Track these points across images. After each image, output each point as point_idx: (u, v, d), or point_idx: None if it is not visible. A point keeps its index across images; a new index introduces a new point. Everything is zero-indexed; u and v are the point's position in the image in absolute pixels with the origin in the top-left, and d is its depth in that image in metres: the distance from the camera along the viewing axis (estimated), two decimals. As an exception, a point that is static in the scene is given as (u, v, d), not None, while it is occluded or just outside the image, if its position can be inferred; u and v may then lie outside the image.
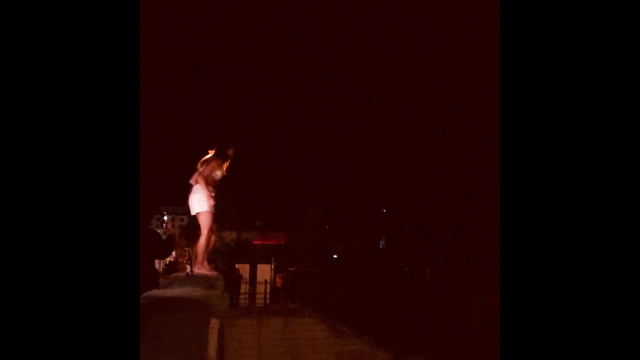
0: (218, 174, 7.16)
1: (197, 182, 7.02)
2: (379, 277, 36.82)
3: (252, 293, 23.71)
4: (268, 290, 23.22)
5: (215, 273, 7.30)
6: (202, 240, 6.98)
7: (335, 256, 54.79)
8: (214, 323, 4.81)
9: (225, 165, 7.29)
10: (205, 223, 6.99)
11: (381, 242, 55.38)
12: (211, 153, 7.22)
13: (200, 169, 7.08)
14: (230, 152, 7.35)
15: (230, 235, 48.52)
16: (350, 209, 57.48)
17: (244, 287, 23.19)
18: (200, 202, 6.98)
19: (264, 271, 24.98)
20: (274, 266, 26.19)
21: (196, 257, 6.98)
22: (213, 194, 7.03)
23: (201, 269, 6.90)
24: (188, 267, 7.03)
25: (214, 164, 7.11)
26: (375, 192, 57.63)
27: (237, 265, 25.84)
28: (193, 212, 7.05)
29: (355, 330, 22.09)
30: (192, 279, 6.52)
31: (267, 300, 23.05)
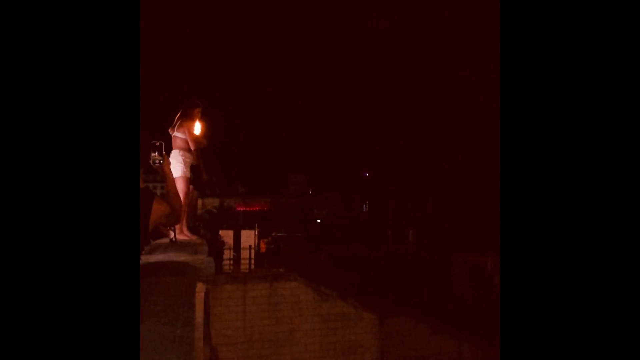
0: (191, 135, 7.01)
1: (174, 148, 6.92)
2: (363, 240, 37.14)
3: (237, 259, 23.75)
4: (252, 255, 23.28)
5: (194, 237, 7.26)
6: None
7: (318, 221, 55.06)
8: (200, 287, 4.78)
9: (197, 130, 7.11)
10: (180, 189, 6.88)
11: (364, 205, 55.70)
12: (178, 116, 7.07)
13: (177, 134, 6.94)
14: (198, 112, 7.16)
15: (212, 202, 48.49)
16: (332, 173, 57.59)
17: (228, 253, 23.21)
18: (175, 167, 6.86)
19: (248, 237, 24.98)
20: (257, 232, 26.19)
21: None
22: (188, 159, 6.93)
23: (181, 235, 6.84)
24: (171, 233, 6.96)
25: (186, 125, 6.94)
26: (357, 156, 57.70)
27: (220, 232, 25.80)
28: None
29: (340, 292, 22.34)
30: (176, 245, 6.47)
31: (252, 266, 23.13)
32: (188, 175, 6.92)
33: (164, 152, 3.61)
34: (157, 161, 3.56)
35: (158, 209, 3.41)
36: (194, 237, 7.23)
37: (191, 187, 7.09)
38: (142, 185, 3.40)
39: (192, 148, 6.89)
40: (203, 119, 7.21)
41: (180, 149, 6.92)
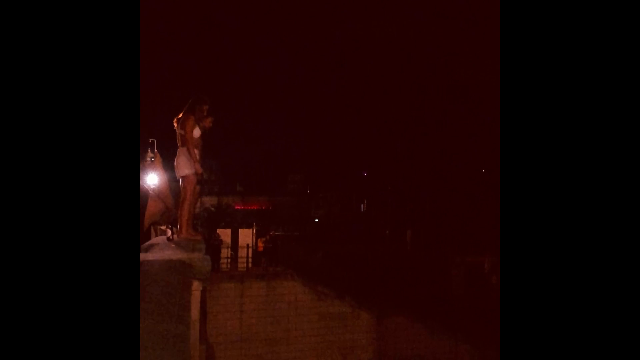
0: (196, 132, 6.84)
1: (182, 145, 6.77)
2: (361, 240, 37.12)
3: (234, 257, 23.74)
4: (250, 254, 23.27)
5: (199, 236, 7.17)
6: (186, 204, 6.75)
7: (316, 220, 55.06)
8: (197, 286, 4.76)
9: (207, 122, 6.98)
10: (188, 186, 6.75)
11: (362, 205, 55.69)
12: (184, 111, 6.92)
13: (181, 132, 6.83)
14: (205, 109, 6.99)
15: (210, 201, 48.45)
16: (331, 172, 57.57)
17: (226, 252, 23.19)
18: (184, 165, 6.73)
19: (246, 235, 24.97)
20: (255, 230, 26.18)
21: (180, 221, 6.77)
22: (198, 156, 6.75)
23: (185, 233, 6.72)
24: (169, 231, 6.92)
25: (191, 122, 6.79)
26: (355, 155, 57.70)
27: (218, 230, 25.78)
28: (178, 176, 6.82)
29: (338, 292, 22.33)
30: (173, 243, 6.44)
31: (249, 264, 23.12)
32: (197, 173, 6.76)
33: (156, 150, 3.60)
34: (150, 158, 3.56)
35: (153, 208, 3.40)
36: (198, 237, 7.11)
37: (198, 186, 6.94)
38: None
39: (188, 148, 6.72)
40: (209, 117, 7.00)
41: (194, 145, 6.76)
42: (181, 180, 6.80)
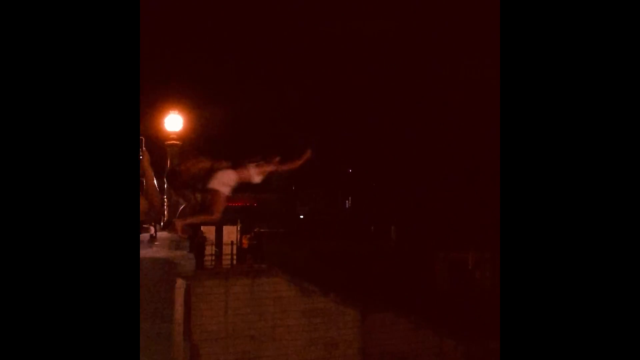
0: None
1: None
2: (346, 237, 37.18)
3: (219, 254, 23.62)
4: (234, 251, 23.19)
5: (185, 235, 7.24)
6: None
7: (301, 216, 55.02)
8: (180, 283, 4.74)
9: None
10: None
11: (347, 201, 55.78)
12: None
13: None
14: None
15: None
16: (316, 169, 57.56)
17: (210, 249, 23.09)
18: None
19: (230, 232, 24.82)
20: (240, 227, 26.07)
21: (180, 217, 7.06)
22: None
23: (175, 230, 6.96)
24: (152, 228, 6.92)
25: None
26: (340, 152, 57.72)
27: (202, 228, 25.64)
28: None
29: (322, 288, 22.34)
30: (156, 241, 6.42)
31: (234, 261, 23.05)
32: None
33: (143, 148, 3.61)
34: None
35: (139, 206, 3.37)
36: (183, 234, 7.30)
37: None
38: None
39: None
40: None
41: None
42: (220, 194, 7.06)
